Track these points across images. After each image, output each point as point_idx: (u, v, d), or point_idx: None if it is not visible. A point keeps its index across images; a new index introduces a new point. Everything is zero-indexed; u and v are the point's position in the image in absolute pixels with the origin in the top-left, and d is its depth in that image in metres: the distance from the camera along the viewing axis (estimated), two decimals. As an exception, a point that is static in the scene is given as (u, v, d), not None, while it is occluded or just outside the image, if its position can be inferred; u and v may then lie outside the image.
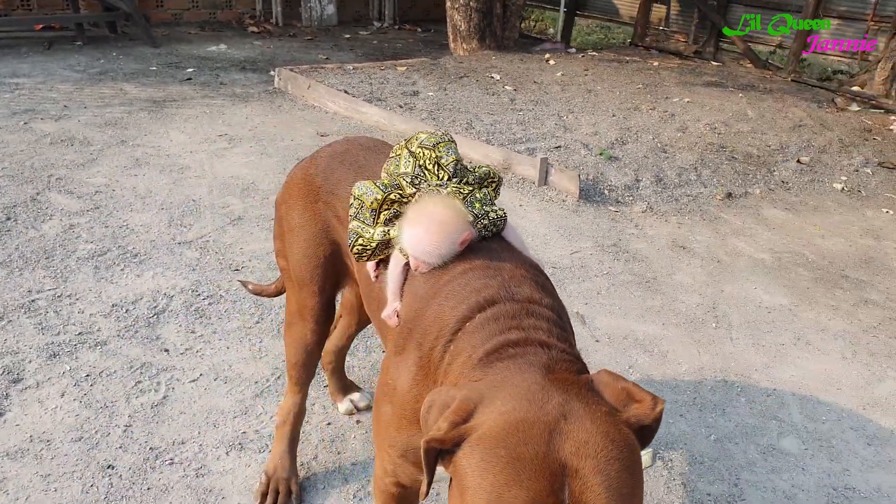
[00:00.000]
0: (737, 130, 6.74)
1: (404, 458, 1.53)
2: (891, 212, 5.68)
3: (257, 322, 3.29)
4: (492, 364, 1.30)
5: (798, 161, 6.30)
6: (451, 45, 9.53)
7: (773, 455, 2.80)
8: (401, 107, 6.48)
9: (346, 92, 6.63)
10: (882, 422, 3.07)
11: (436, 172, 1.70)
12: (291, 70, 7.18)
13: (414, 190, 1.67)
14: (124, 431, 2.57)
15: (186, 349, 3.04)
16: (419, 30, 11.76)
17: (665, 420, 2.92)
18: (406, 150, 1.76)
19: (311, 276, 2.14)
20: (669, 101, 7.44)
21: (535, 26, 13.50)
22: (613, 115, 6.73)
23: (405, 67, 7.86)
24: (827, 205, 5.68)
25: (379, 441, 1.61)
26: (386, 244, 1.69)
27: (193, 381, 2.86)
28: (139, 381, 2.82)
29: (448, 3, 9.31)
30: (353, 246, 1.73)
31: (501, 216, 1.66)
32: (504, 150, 5.39)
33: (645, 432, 1.22)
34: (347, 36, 10.68)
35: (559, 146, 5.74)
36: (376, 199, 1.69)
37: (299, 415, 2.39)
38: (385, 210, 1.69)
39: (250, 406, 2.75)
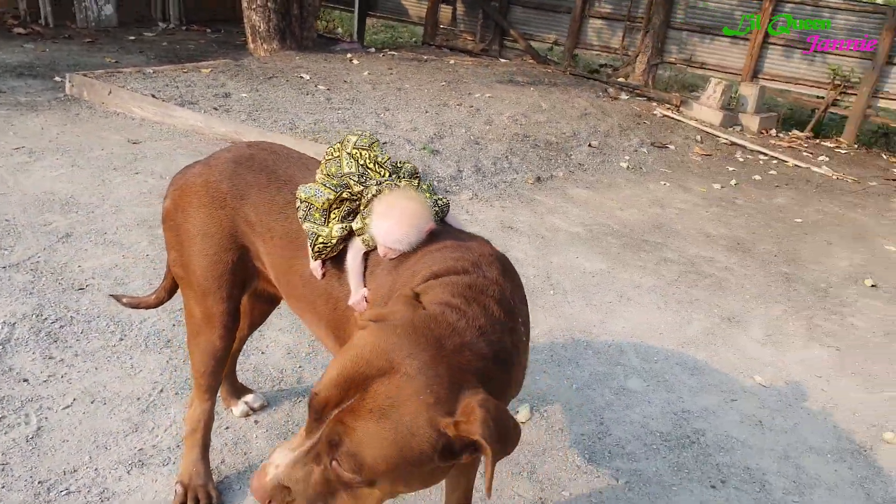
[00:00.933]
0: (535, 121, 7.43)
1: None
2: (667, 184, 6.64)
3: (121, 339, 3.13)
4: (440, 306, 1.52)
5: (589, 145, 7.12)
6: (251, 45, 9.34)
7: (624, 394, 3.27)
8: (216, 109, 6.30)
9: (153, 96, 6.29)
10: (697, 356, 3.69)
11: (377, 170, 1.86)
12: (85, 75, 6.64)
13: (362, 188, 1.80)
14: (1, 470, 2.37)
15: (49, 376, 2.83)
16: (209, 30, 11.31)
17: (532, 377, 3.28)
18: (344, 153, 1.90)
19: (219, 283, 2.15)
20: (473, 97, 7.98)
21: (326, 26, 13.56)
22: (426, 112, 7.09)
23: (209, 69, 7.60)
24: (618, 181, 6.51)
25: None
26: (343, 239, 1.81)
27: (67, 407, 2.68)
28: (3, 416, 2.59)
29: (244, 4, 9.11)
30: (314, 245, 1.82)
31: (447, 203, 1.88)
32: (334, 149, 5.50)
33: (454, 447, 1.37)
34: (132, 38, 10.00)
35: (385, 142, 5.97)
36: (328, 200, 1.81)
37: (209, 422, 2.37)
38: (336, 209, 1.81)
39: (140, 423, 2.65)
